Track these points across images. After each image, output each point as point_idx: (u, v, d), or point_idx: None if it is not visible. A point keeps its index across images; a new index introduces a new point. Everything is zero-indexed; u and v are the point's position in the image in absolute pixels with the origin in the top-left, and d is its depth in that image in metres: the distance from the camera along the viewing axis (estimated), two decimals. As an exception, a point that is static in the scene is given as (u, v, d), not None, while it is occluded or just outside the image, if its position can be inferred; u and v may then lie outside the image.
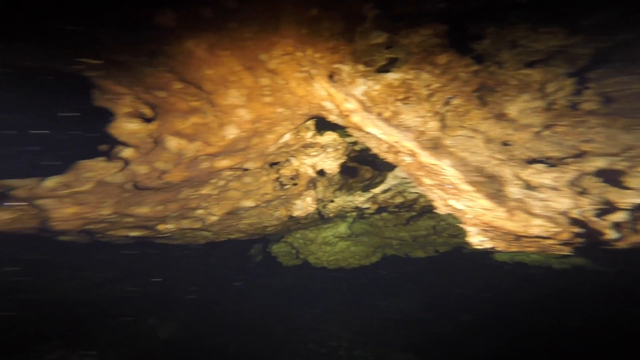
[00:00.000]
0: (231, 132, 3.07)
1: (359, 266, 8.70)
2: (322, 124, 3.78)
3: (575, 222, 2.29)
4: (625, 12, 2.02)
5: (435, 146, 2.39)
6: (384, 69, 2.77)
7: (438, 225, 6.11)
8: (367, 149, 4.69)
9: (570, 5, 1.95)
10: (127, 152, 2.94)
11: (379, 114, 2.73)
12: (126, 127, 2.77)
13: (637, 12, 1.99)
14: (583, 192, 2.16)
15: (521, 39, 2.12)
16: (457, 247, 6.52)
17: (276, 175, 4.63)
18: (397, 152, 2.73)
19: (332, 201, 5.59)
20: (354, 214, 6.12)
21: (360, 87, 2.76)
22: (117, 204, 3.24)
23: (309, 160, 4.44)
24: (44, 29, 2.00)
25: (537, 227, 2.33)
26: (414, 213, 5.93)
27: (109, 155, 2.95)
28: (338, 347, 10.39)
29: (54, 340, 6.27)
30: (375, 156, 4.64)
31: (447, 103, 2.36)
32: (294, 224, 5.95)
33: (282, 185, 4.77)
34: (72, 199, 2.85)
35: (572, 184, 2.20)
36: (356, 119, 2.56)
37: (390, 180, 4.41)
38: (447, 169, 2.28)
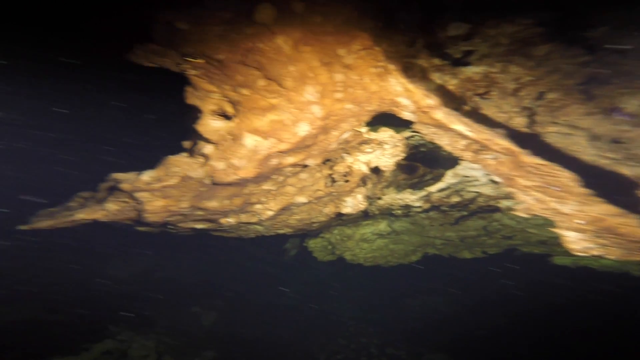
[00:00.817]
0: (303, 129, 3.16)
1: (397, 264, 8.60)
2: (380, 120, 3.78)
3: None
4: None
5: (539, 144, 2.31)
6: (462, 62, 2.73)
7: (490, 226, 5.89)
8: (422, 146, 4.62)
9: None
10: (208, 149, 3.13)
11: (457, 109, 2.70)
12: (211, 124, 2.95)
13: None
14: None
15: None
16: (508, 250, 6.25)
17: (329, 172, 4.70)
18: (478, 151, 2.67)
19: (379, 198, 5.58)
20: (400, 212, 6.06)
21: (436, 81, 2.73)
22: (194, 197, 3.46)
23: (363, 157, 4.46)
24: (156, 29, 2.18)
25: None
26: (464, 213, 5.77)
27: (192, 151, 3.15)
28: (369, 344, 10.34)
29: (122, 323, 6.82)
30: (431, 153, 4.56)
31: (539, 97, 2.28)
32: (339, 220, 6.01)
33: (333, 181, 4.84)
34: (161, 193, 3.08)
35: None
36: (439, 115, 2.54)
37: (449, 179, 4.32)
38: (561, 170, 2.18)
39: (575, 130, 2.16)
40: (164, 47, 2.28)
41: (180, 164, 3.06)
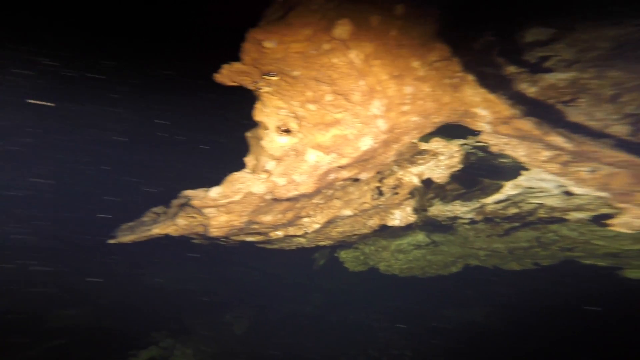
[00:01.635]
0: (366, 143, 3.08)
1: (435, 275, 8.28)
2: (442, 131, 3.63)
3: None
4: None
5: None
6: (545, 69, 2.55)
7: (543, 237, 5.52)
8: (479, 157, 4.41)
9: None
10: (271, 165, 3.11)
11: (543, 117, 2.52)
12: (277, 140, 2.93)
13: None
14: None
15: None
16: (566, 261, 5.83)
17: (377, 184, 4.58)
18: (568, 163, 2.48)
19: (425, 210, 5.38)
20: (445, 223, 5.82)
21: (517, 89, 2.57)
22: (252, 212, 3.45)
23: (415, 169, 4.32)
24: (246, 48, 2.18)
25: None
26: (516, 224, 5.44)
27: (255, 168, 3.15)
28: (402, 356, 9.96)
29: (163, 330, 6.96)
30: (489, 164, 4.34)
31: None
32: (381, 233, 5.85)
33: (380, 194, 4.71)
34: (225, 208, 3.09)
35: None
36: (526, 125, 2.38)
37: (509, 190, 4.08)
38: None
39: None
40: (247, 66, 2.29)
41: (244, 180, 3.06)
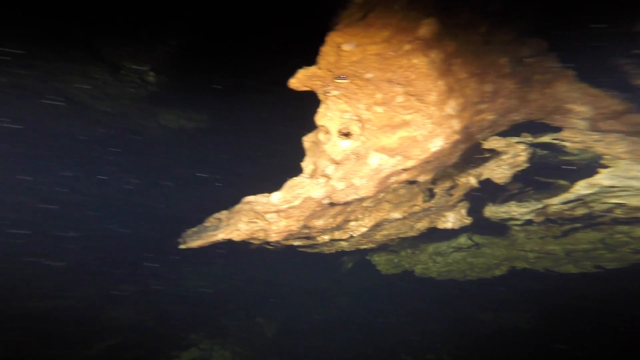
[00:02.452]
0: (436, 145, 2.85)
1: (476, 279, 7.89)
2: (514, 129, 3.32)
3: None
4: None
5: None
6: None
7: (609, 239, 5.05)
8: (546, 155, 4.05)
9: None
10: (330, 169, 2.96)
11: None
12: (339, 144, 2.76)
13: None
14: None
15: None
16: (636, 264, 5.33)
17: (429, 186, 4.33)
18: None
19: (478, 212, 5.05)
20: (496, 224, 5.46)
21: (625, 84, 2.25)
22: (307, 217, 3.32)
23: (473, 170, 4.03)
24: (324, 52, 2.03)
25: None
26: (577, 225, 5.01)
27: (314, 172, 3.00)
28: (438, 361, 9.63)
29: (201, 332, 7.07)
30: (556, 163, 3.97)
31: None
32: (429, 236, 5.58)
33: (431, 196, 4.45)
34: (285, 213, 2.98)
35: None
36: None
37: (581, 190, 3.71)
38: None
39: None
40: (322, 70, 2.13)
41: (304, 185, 2.92)
